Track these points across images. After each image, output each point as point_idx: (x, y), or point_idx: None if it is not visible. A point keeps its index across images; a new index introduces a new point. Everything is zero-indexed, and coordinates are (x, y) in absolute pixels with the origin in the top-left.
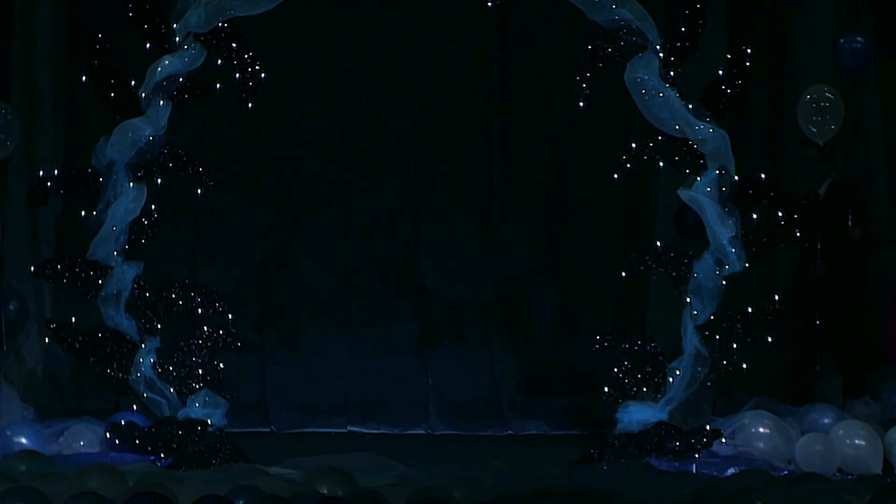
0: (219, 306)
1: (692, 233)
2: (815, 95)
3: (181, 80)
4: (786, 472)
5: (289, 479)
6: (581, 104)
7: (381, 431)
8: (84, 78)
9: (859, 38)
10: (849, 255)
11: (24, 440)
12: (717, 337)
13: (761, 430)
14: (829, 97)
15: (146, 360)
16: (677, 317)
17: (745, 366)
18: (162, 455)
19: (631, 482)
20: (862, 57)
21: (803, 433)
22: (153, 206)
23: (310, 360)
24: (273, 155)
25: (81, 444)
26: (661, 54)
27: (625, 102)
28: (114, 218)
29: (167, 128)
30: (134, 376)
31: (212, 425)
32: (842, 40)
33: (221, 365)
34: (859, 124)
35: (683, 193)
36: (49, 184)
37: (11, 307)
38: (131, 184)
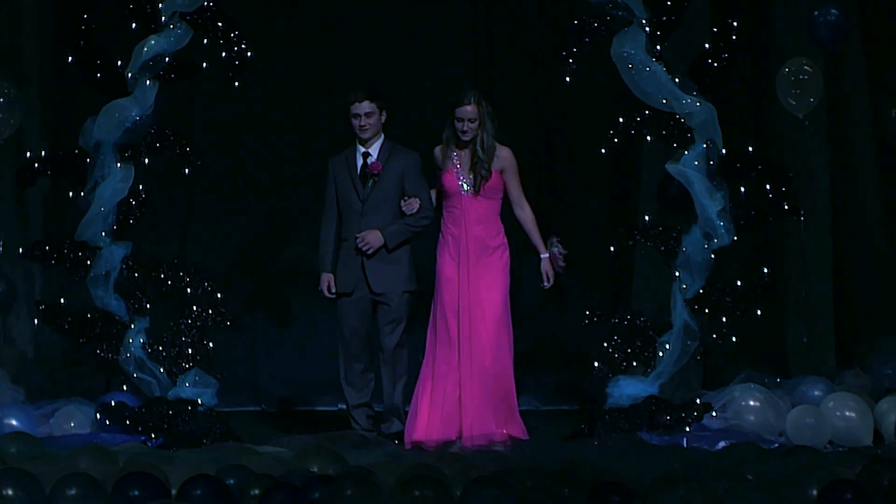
0: (208, 286)
1: (675, 205)
2: (793, 68)
3: (168, 59)
4: (776, 445)
5: (279, 457)
6: (567, 79)
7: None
8: (70, 59)
9: (833, 10)
10: None
11: (14, 422)
12: (707, 310)
13: (751, 402)
14: (808, 70)
15: (136, 341)
16: (664, 290)
17: (734, 339)
18: (152, 435)
19: (622, 457)
20: (837, 29)
21: (794, 406)
22: (141, 187)
23: (300, 339)
24: (262, 134)
25: (72, 425)
26: (647, 28)
27: (612, 77)
28: (102, 198)
29: (154, 108)
30: (124, 356)
31: (202, 405)
32: (816, 13)
33: (211, 344)
34: (842, 98)
35: (671, 167)
36: (37, 165)
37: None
38: (119, 164)
